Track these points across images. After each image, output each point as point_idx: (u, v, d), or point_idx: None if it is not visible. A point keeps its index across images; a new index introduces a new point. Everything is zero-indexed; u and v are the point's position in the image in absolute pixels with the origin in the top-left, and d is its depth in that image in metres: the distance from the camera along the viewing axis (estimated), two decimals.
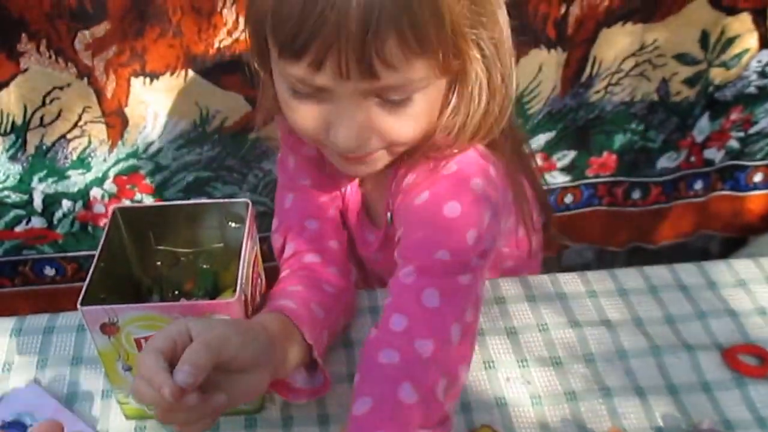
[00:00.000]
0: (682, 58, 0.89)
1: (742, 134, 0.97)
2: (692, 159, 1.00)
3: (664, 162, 1.00)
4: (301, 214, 0.66)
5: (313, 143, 0.57)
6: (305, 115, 0.51)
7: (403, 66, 0.46)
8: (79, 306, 0.45)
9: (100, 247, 0.51)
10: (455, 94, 0.53)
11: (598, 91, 0.92)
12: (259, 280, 0.56)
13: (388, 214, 0.60)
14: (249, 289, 0.50)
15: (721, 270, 0.68)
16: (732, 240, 1.10)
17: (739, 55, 0.88)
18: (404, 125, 0.51)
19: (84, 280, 0.48)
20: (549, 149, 0.97)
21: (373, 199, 0.67)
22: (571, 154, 0.99)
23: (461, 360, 0.52)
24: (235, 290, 0.47)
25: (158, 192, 0.92)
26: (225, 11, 0.79)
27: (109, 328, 0.46)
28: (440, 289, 0.51)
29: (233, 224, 0.55)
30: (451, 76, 0.52)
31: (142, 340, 0.47)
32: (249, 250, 0.51)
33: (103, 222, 0.95)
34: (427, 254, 0.52)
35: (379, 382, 0.49)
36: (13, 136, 0.86)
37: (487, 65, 0.51)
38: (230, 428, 0.55)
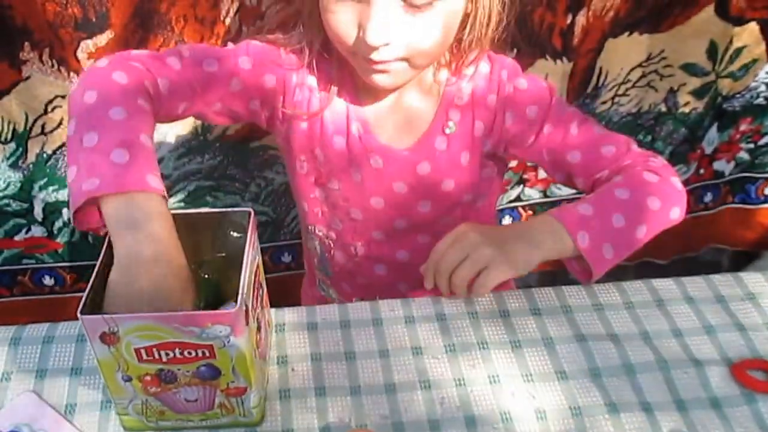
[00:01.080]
0: (690, 69, 0.89)
1: (751, 145, 0.97)
2: (702, 171, 1.00)
3: None
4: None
5: (346, 51, 0.64)
6: (342, 18, 0.60)
7: None
8: (78, 314, 0.45)
9: (101, 255, 0.51)
10: (472, 13, 0.62)
11: (604, 102, 0.92)
12: (260, 291, 0.56)
13: (450, 123, 0.70)
14: (250, 299, 0.50)
15: (729, 283, 0.68)
16: (743, 254, 1.09)
17: (747, 66, 0.88)
18: (426, 33, 0.60)
19: (83, 290, 0.48)
20: None
21: (392, 122, 0.72)
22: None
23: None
24: (236, 301, 0.47)
25: None
26: (227, 20, 0.80)
27: (109, 338, 0.46)
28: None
29: (235, 234, 0.55)
30: None
31: (143, 351, 0.47)
32: (250, 260, 0.51)
33: (104, 231, 0.94)
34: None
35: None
36: (14, 144, 0.86)
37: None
38: None
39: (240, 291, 0.47)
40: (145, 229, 0.50)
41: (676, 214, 0.68)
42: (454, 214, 0.75)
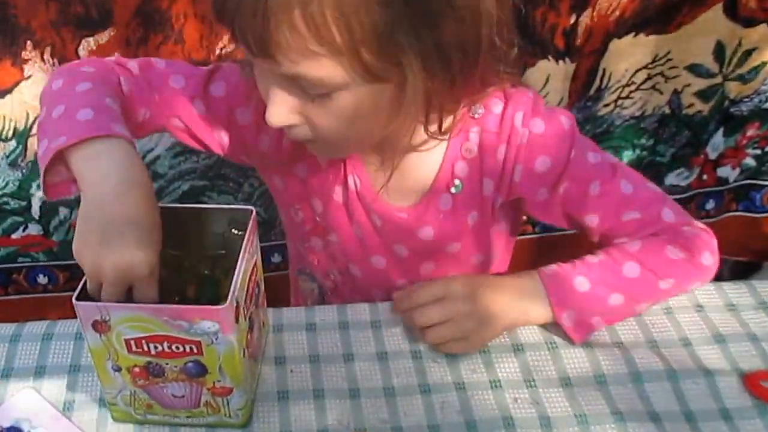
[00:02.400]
0: (695, 70, 0.87)
1: (758, 151, 0.95)
2: (704, 177, 0.97)
3: (674, 179, 0.97)
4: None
5: None
6: (260, 87, 0.54)
7: (305, 60, 0.46)
8: (73, 300, 0.45)
9: None
10: (403, 98, 0.50)
11: (607, 105, 0.90)
12: (257, 290, 0.55)
13: (457, 182, 0.61)
14: (243, 297, 0.49)
15: (741, 291, 0.65)
16: (745, 265, 1.06)
17: (756, 68, 0.85)
18: (330, 120, 0.51)
19: (75, 289, 0.48)
20: None
21: (394, 179, 0.60)
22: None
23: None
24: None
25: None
26: None
27: (100, 326, 0.46)
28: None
29: (236, 231, 0.54)
30: (391, 83, 0.50)
31: (132, 342, 0.47)
32: (247, 259, 0.50)
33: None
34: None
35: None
36: (14, 143, 0.87)
37: (437, 69, 0.49)
38: None
39: (231, 288, 0.46)
40: (111, 160, 0.50)
41: (695, 287, 0.63)
42: (461, 272, 0.67)
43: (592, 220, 0.61)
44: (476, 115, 0.58)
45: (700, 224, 0.62)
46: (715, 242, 0.62)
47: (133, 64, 0.62)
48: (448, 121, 0.55)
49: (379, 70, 0.47)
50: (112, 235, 0.46)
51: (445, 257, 0.65)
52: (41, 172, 0.52)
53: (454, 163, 0.60)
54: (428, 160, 0.60)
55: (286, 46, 0.45)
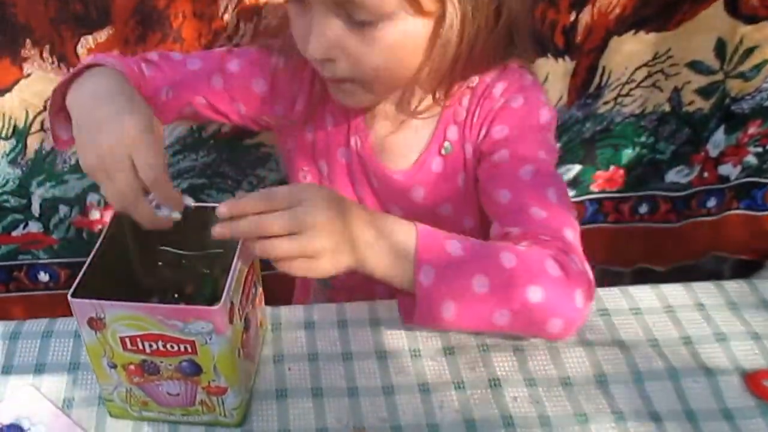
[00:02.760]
0: (696, 66, 0.86)
1: (760, 149, 0.93)
2: (705, 175, 0.96)
3: (674, 176, 0.96)
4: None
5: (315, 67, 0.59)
6: (296, 27, 0.56)
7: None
8: (69, 297, 0.45)
9: (99, 241, 0.50)
10: (437, 39, 0.54)
11: (607, 102, 0.89)
12: (253, 290, 0.54)
13: (447, 144, 0.63)
14: (238, 298, 0.49)
15: (742, 290, 0.64)
16: (746, 263, 1.05)
17: (758, 66, 0.84)
18: (370, 51, 0.53)
19: None
20: None
21: (390, 140, 0.65)
22: (576, 168, 0.95)
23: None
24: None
25: None
26: (226, 16, 0.79)
27: (96, 323, 0.46)
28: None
29: None
30: (431, 19, 0.53)
31: (127, 339, 0.46)
32: (242, 259, 0.49)
33: (98, 228, 0.94)
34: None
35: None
36: (13, 140, 0.86)
37: (470, 21, 0.53)
38: None
39: (226, 288, 0.45)
40: (98, 79, 0.55)
41: (555, 327, 0.52)
42: None
43: (504, 196, 0.58)
44: (472, 84, 0.61)
45: (586, 267, 0.55)
46: (593, 292, 0.55)
47: (152, 55, 0.67)
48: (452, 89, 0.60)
49: (426, 3, 0.51)
50: (99, 129, 0.49)
51: (439, 220, 0.60)
52: (49, 123, 0.57)
53: (446, 127, 0.63)
54: (423, 126, 0.64)
55: None
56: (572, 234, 0.56)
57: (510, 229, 0.56)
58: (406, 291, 0.52)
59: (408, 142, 0.65)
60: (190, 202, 0.51)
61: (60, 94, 0.56)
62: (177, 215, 0.51)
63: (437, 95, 0.60)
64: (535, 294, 0.50)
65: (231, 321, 0.46)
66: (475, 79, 0.61)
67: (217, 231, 0.47)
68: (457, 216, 0.66)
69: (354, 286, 0.73)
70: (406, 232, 0.51)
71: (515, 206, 0.57)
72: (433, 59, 0.55)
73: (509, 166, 0.59)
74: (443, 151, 0.63)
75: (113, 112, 0.50)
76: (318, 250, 0.47)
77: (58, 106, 0.57)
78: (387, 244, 0.50)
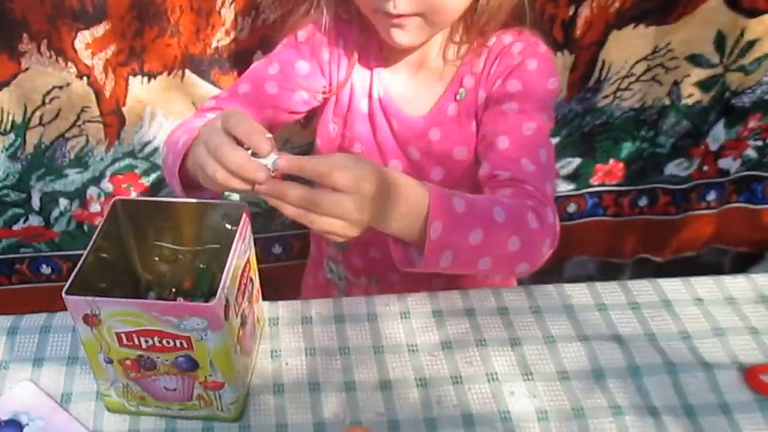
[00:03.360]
0: (695, 60, 0.85)
1: (760, 143, 0.92)
2: (705, 168, 0.96)
3: (673, 168, 0.96)
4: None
5: (365, 6, 0.63)
6: None
7: None
8: (63, 294, 0.45)
9: (94, 237, 0.50)
10: None
11: (606, 96, 0.88)
12: (250, 286, 0.54)
13: (461, 90, 0.68)
14: (234, 294, 0.48)
15: (740, 284, 0.64)
16: (746, 256, 1.05)
17: (759, 60, 0.83)
18: None
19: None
20: None
21: (412, 87, 0.71)
22: (576, 162, 0.95)
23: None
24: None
25: (153, 192, 0.91)
26: (223, 11, 0.78)
27: (91, 320, 0.46)
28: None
29: (229, 226, 0.53)
30: None
31: (123, 335, 0.46)
32: (238, 254, 0.49)
33: (99, 221, 0.94)
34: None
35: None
36: (12, 135, 0.86)
37: None
38: None
39: (221, 284, 0.45)
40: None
41: (521, 269, 0.59)
42: (467, 187, 0.70)
43: (503, 143, 0.64)
44: (490, 43, 0.67)
45: (557, 222, 0.61)
46: (556, 241, 0.61)
47: (209, 103, 0.71)
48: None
49: None
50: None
51: (452, 163, 0.70)
52: (178, 188, 0.58)
53: (463, 76, 0.69)
54: (442, 77, 0.70)
55: None
56: (551, 189, 0.63)
57: (500, 172, 0.62)
58: (406, 241, 0.55)
59: (427, 91, 0.70)
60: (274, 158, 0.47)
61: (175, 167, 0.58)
62: (270, 161, 0.46)
63: (460, 50, 0.67)
64: (513, 244, 0.56)
65: (226, 317, 0.46)
66: (492, 39, 0.67)
67: (263, 189, 0.47)
68: (470, 159, 0.70)
69: (369, 241, 0.76)
70: (421, 194, 0.53)
71: (510, 154, 0.63)
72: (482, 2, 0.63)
73: (515, 118, 0.65)
74: (458, 97, 0.69)
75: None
76: (349, 232, 0.50)
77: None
78: (405, 206, 0.52)
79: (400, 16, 0.61)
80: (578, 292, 0.63)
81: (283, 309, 0.62)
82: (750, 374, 0.55)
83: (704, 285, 0.64)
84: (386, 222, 0.52)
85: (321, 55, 0.71)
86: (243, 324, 0.51)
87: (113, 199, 0.53)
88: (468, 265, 0.56)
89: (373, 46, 0.70)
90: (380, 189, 0.50)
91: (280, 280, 0.93)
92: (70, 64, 0.79)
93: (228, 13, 0.77)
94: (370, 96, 0.72)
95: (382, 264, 0.77)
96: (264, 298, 0.60)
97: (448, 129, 0.70)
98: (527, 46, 0.67)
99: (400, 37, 0.63)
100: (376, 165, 0.51)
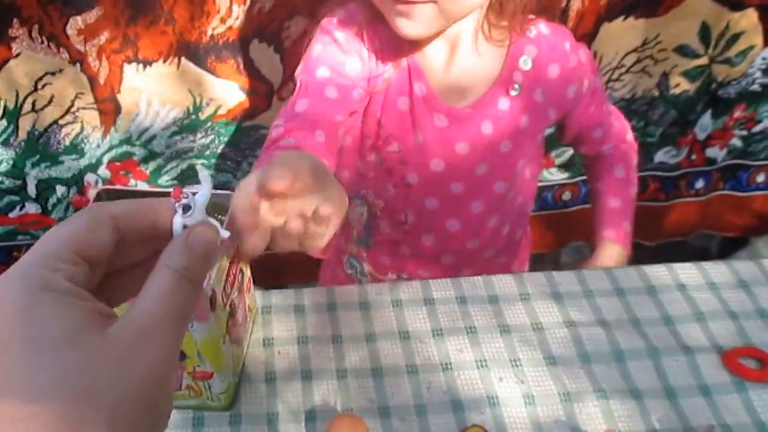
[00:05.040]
0: (681, 50, 0.86)
1: (745, 133, 0.94)
2: (693, 157, 0.97)
3: (662, 156, 0.97)
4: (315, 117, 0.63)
5: None
6: None
7: None
8: None
9: None
10: None
11: None
12: (240, 276, 0.53)
13: (516, 86, 0.68)
14: (221, 285, 0.48)
15: (721, 270, 0.65)
16: (732, 240, 1.06)
17: (744, 52, 0.84)
18: None
19: None
20: (547, 146, 0.93)
21: (454, 79, 0.68)
22: (570, 151, 0.95)
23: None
24: None
25: (152, 179, 0.90)
26: None
27: None
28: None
29: (219, 216, 0.52)
30: None
31: None
32: (225, 245, 0.48)
33: None
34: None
35: None
36: (4, 122, 0.85)
37: None
38: (215, 423, 0.52)
39: (206, 277, 0.44)
40: None
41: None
42: (508, 181, 0.73)
43: (598, 133, 0.77)
44: (531, 35, 0.68)
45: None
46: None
47: (278, 132, 0.61)
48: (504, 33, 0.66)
49: None
50: None
51: (498, 157, 0.71)
52: None
53: (512, 71, 0.68)
54: (486, 66, 0.68)
55: None
56: (627, 124, 0.80)
57: (604, 147, 0.78)
58: None
59: (471, 81, 0.68)
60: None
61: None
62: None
63: (494, 34, 0.66)
64: (634, 191, 0.79)
65: (213, 308, 0.46)
66: (532, 30, 0.68)
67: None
68: (515, 154, 0.71)
69: (399, 240, 0.76)
70: (620, 254, 0.79)
71: (606, 133, 0.77)
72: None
73: (598, 109, 0.74)
74: (512, 92, 0.68)
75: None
76: None
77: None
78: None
79: (407, 2, 0.57)
80: (566, 279, 0.64)
81: (275, 298, 0.62)
82: (728, 357, 0.57)
83: (686, 271, 0.65)
84: None
85: (360, 49, 0.66)
86: (233, 314, 0.51)
87: (96, 189, 0.52)
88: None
89: (407, 44, 0.65)
90: None
91: (274, 268, 0.93)
92: (62, 49, 0.78)
93: (223, 2, 0.77)
94: (410, 93, 0.67)
95: (412, 260, 0.77)
96: (264, 287, 0.60)
97: (501, 124, 0.69)
98: (566, 38, 0.70)
99: (409, 27, 0.60)
100: None
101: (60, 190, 0.91)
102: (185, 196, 0.28)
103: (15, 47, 0.77)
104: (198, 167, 0.34)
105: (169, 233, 0.27)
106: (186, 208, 0.28)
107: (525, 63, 0.68)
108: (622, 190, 0.79)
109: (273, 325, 0.59)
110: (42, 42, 0.77)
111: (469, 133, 0.69)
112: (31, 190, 0.91)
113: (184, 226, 0.28)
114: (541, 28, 0.68)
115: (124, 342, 0.22)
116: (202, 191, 0.29)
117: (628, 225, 0.77)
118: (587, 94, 0.72)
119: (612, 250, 0.76)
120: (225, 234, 0.29)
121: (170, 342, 0.24)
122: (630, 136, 0.79)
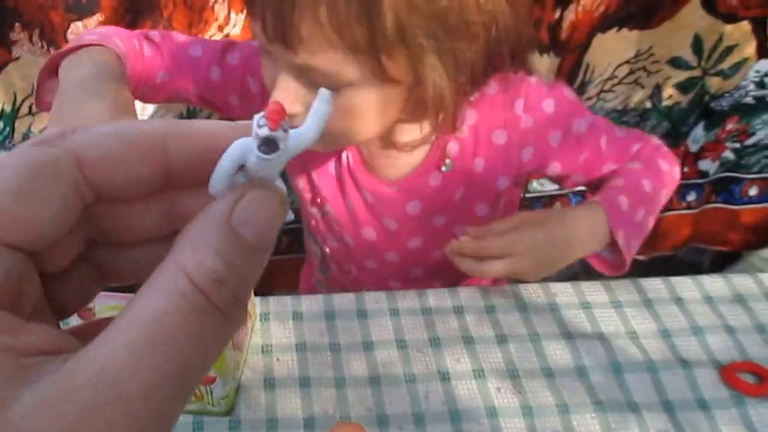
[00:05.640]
0: (675, 62, 0.86)
1: (737, 145, 0.94)
2: (686, 169, 0.97)
3: None
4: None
5: None
6: (265, 69, 0.54)
7: (323, 52, 0.46)
8: None
9: None
10: (413, 97, 0.52)
11: (590, 98, 0.89)
12: None
13: (447, 161, 0.62)
14: None
15: (718, 284, 0.65)
16: (724, 255, 1.06)
17: (737, 64, 0.85)
18: (333, 115, 0.49)
19: None
20: None
21: (384, 156, 0.63)
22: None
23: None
24: None
25: None
26: (217, 6, 0.77)
27: (84, 313, 0.45)
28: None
29: None
30: (402, 84, 0.50)
31: None
32: None
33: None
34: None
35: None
36: (1, 124, 0.84)
37: (451, 73, 0.50)
38: (214, 429, 0.52)
39: None
40: (92, 58, 0.54)
41: (667, 198, 0.69)
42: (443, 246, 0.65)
43: (609, 167, 0.66)
44: (471, 98, 0.58)
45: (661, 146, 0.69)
46: (672, 155, 0.69)
47: (155, 34, 0.64)
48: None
49: (393, 72, 0.47)
50: (70, 108, 0.50)
51: (432, 231, 0.66)
52: (35, 83, 0.56)
53: (446, 142, 0.61)
54: (420, 138, 0.60)
55: (306, 37, 0.45)
56: (638, 135, 0.68)
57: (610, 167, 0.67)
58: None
59: (402, 156, 0.62)
60: None
61: (56, 60, 0.56)
62: None
63: (424, 129, 0.58)
64: (665, 195, 0.66)
65: None
66: (474, 93, 0.57)
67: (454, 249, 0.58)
68: (450, 225, 0.66)
69: (347, 285, 0.74)
70: (598, 220, 0.60)
71: (622, 162, 0.66)
72: (411, 112, 0.54)
73: (593, 153, 0.64)
74: (444, 168, 0.61)
75: (88, 94, 0.50)
76: (523, 272, 0.59)
77: (48, 71, 0.57)
78: (585, 239, 0.60)
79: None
80: (563, 291, 0.64)
81: (274, 305, 0.61)
82: (726, 372, 0.56)
83: (684, 284, 0.65)
84: (569, 258, 0.60)
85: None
86: None
87: None
88: (643, 232, 0.64)
89: None
90: (547, 239, 0.57)
91: (271, 274, 0.92)
92: (74, 41, 0.78)
93: (221, 9, 0.77)
94: (338, 158, 0.64)
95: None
96: (261, 290, 0.60)
97: (430, 201, 0.63)
98: (521, 95, 0.59)
99: (317, 147, 0.56)
100: (537, 218, 0.59)
101: None
102: (281, 123, 0.14)
103: (15, 51, 0.78)
104: (321, 89, 0.19)
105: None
106: (268, 144, 0.14)
107: (461, 132, 0.60)
108: (629, 174, 0.64)
109: (271, 332, 0.59)
110: (42, 46, 0.77)
111: (396, 212, 0.65)
112: None
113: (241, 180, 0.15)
114: (486, 88, 0.58)
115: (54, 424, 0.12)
116: (309, 124, 0.16)
117: (625, 202, 0.61)
118: (564, 145, 0.62)
119: (591, 207, 0.61)
120: (291, 216, 0.16)
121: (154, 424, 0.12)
122: (665, 148, 0.68)
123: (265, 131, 0.14)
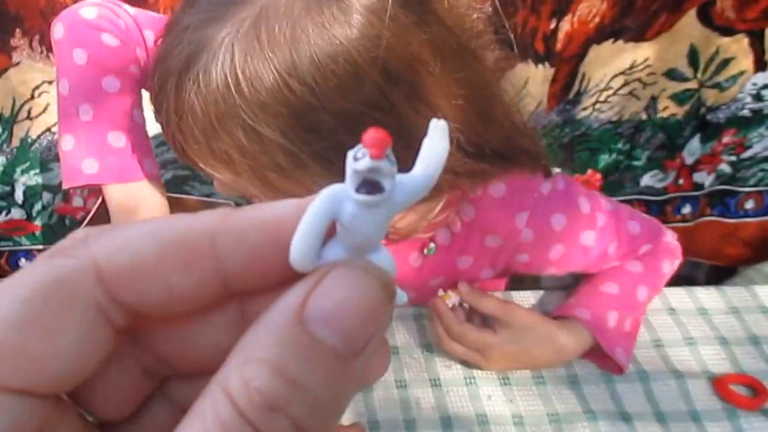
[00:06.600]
0: (670, 74, 0.86)
1: (734, 158, 0.94)
2: (681, 182, 0.97)
3: (648, 180, 0.96)
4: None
5: None
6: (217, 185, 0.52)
7: (218, 173, 0.44)
8: None
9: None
10: None
11: (585, 108, 0.89)
12: None
13: (432, 245, 0.58)
14: None
15: (712, 296, 0.64)
16: (720, 269, 1.06)
17: (734, 77, 0.84)
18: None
19: None
20: None
21: None
22: (555, 172, 0.95)
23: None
24: None
25: None
26: None
27: None
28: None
29: None
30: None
31: None
32: None
33: (81, 215, 0.92)
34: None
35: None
36: None
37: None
38: None
39: None
40: (139, 214, 0.54)
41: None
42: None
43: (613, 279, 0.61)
44: (473, 194, 0.53)
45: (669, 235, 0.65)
46: (680, 253, 0.65)
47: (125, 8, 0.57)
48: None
49: (288, 189, 0.43)
50: None
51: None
52: (65, 177, 0.54)
53: (437, 227, 0.55)
54: (406, 217, 0.51)
55: (199, 159, 0.44)
56: (654, 227, 0.64)
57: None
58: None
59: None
60: None
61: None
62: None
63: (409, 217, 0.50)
64: (654, 292, 0.62)
65: None
66: (477, 190, 0.52)
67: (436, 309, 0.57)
68: (421, 298, 0.61)
69: None
70: (583, 340, 0.56)
71: (626, 252, 0.61)
72: None
73: (594, 262, 0.60)
74: (426, 251, 0.58)
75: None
76: (483, 368, 0.57)
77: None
78: (564, 357, 0.57)
79: None
80: (556, 301, 0.63)
81: None
82: (719, 383, 0.56)
83: (677, 295, 0.64)
84: (539, 367, 0.57)
85: None
86: None
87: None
88: (631, 334, 0.59)
89: None
90: (519, 353, 0.55)
91: None
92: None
93: None
94: None
95: None
96: None
97: (404, 276, 0.60)
98: (525, 209, 0.54)
99: None
100: (520, 325, 0.55)
101: (46, 197, 0.90)
102: (385, 150, 0.11)
103: (15, 56, 0.78)
104: (434, 120, 0.13)
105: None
106: (370, 186, 0.11)
107: (454, 224, 0.56)
108: (625, 279, 0.59)
109: None
110: (42, 52, 0.78)
111: None
112: (18, 196, 0.90)
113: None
114: (492, 188, 0.54)
115: None
116: (423, 165, 0.12)
117: (614, 317, 0.57)
118: (566, 255, 0.59)
119: (578, 329, 0.56)
120: (404, 297, 0.13)
121: None
122: (666, 247, 0.64)
123: (366, 163, 0.10)
